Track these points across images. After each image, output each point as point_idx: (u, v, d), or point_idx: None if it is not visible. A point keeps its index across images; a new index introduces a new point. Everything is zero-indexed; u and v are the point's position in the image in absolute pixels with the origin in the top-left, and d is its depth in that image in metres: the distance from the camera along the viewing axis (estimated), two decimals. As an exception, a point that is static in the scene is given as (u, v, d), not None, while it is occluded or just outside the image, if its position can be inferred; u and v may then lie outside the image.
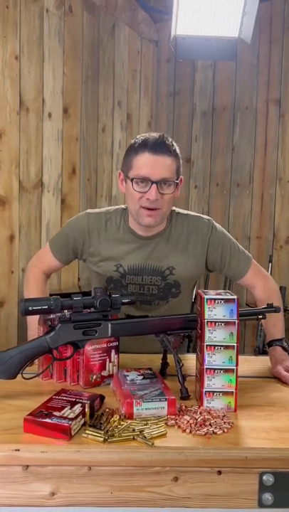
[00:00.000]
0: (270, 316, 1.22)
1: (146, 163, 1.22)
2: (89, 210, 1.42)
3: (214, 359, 0.98)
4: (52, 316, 1.11)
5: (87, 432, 0.86)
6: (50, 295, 1.10)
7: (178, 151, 1.28)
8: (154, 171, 1.21)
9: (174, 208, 1.38)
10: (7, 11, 2.13)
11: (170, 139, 1.26)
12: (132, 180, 1.24)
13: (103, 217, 1.37)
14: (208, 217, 1.40)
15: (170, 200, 1.27)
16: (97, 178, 2.79)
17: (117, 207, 1.42)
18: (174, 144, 1.27)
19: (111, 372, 1.13)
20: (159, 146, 1.22)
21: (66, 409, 0.91)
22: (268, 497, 0.83)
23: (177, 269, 1.33)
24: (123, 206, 1.40)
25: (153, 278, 1.33)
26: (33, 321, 1.29)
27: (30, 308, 1.04)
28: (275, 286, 1.42)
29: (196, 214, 1.41)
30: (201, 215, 1.40)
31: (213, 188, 3.24)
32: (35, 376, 1.06)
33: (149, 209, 1.24)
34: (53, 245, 1.45)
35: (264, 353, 2.94)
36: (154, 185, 1.21)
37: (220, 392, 0.98)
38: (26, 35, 2.23)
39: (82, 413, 0.90)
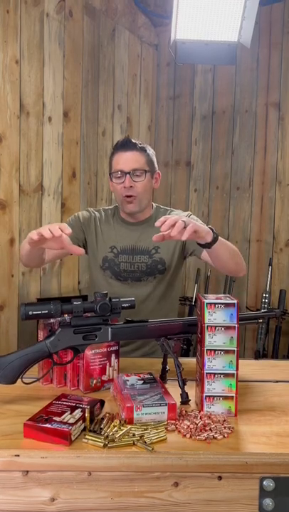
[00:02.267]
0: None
1: (118, 160, 1.51)
2: (86, 208, 1.70)
3: (214, 363, 0.98)
4: (52, 320, 1.11)
5: (87, 437, 0.86)
6: (50, 299, 1.10)
7: (146, 148, 1.54)
8: (125, 164, 1.49)
9: (158, 204, 1.66)
10: (7, 15, 2.14)
11: (136, 139, 1.55)
12: (111, 174, 1.53)
13: (102, 210, 1.66)
14: (190, 212, 1.62)
15: (145, 187, 1.52)
16: (97, 182, 2.79)
17: (111, 206, 1.70)
18: (141, 143, 1.55)
19: (111, 377, 1.13)
20: (125, 144, 1.51)
21: (66, 414, 0.90)
22: (268, 502, 0.82)
23: (162, 247, 1.55)
24: (116, 205, 1.67)
25: (141, 257, 1.55)
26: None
27: (30, 312, 1.04)
28: (236, 248, 1.47)
29: (178, 210, 1.65)
30: (182, 211, 1.63)
31: (213, 191, 3.24)
32: (35, 381, 1.06)
33: (128, 197, 1.50)
34: None
35: (264, 356, 2.95)
36: (128, 175, 1.49)
37: (220, 396, 0.98)
38: (27, 39, 2.24)
39: (82, 418, 0.89)
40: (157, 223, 1.14)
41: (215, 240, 1.25)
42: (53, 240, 1.14)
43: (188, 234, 1.12)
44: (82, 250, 1.19)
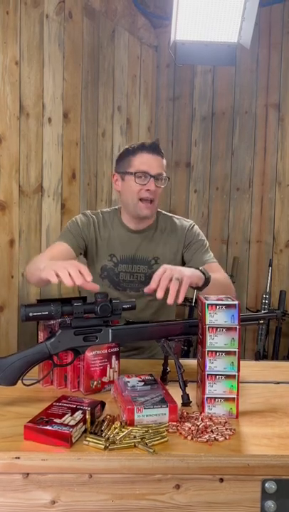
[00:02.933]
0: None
1: (145, 161, 1.45)
2: (84, 211, 1.60)
3: (215, 365, 0.98)
4: (52, 321, 1.10)
5: (88, 439, 0.85)
6: (51, 300, 1.10)
7: (164, 155, 1.52)
8: (152, 167, 1.45)
9: (159, 209, 1.60)
10: (7, 16, 2.14)
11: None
12: (134, 174, 1.44)
13: (99, 213, 1.59)
14: (192, 221, 1.60)
15: (160, 194, 1.51)
16: (97, 183, 2.79)
17: (110, 208, 1.63)
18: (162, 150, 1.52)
19: (112, 379, 1.13)
20: (155, 148, 1.48)
21: (67, 416, 0.90)
22: (270, 505, 0.82)
23: (161, 258, 1.52)
24: (116, 207, 1.62)
25: (141, 267, 1.51)
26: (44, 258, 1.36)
27: (30, 314, 1.03)
28: (226, 279, 1.45)
29: (180, 217, 1.62)
30: (184, 218, 1.61)
31: (212, 192, 3.24)
32: (36, 382, 1.06)
33: (146, 201, 1.45)
34: (61, 237, 1.53)
35: (264, 357, 2.94)
36: (152, 179, 1.44)
37: (221, 398, 0.98)
38: (26, 40, 2.24)
39: (83, 420, 0.89)
40: (149, 289, 1.11)
41: (206, 283, 1.24)
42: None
43: (183, 296, 1.10)
44: (97, 287, 1.11)
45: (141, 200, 1.46)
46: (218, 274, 1.43)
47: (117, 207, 1.61)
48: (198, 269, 1.25)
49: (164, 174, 1.48)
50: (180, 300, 1.10)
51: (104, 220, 1.56)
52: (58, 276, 1.06)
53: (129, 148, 1.50)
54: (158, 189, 1.46)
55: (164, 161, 1.50)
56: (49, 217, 2.44)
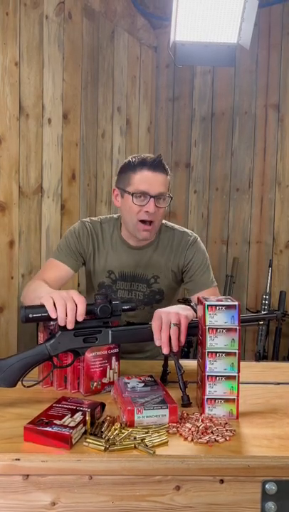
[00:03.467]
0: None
1: (145, 180, 1.34)
2: (83, 220, 1.51)
3: (215, 366, 0.97)
4: (52, 323, 1.10)
5: (88, 440, 0.85)
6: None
7: (168, 170, 1.40)
8: (153, 187, 1.33)
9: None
10: (7, 17, 2.14)
11: (164, 162, 1.39)
12: (132, 194, 1.34)
13: (98, 225, 1.49)
14: (195, 235, 1.50)
15: (163, 213, 1.39)
16: (96, 184, 2.79)
17: (110, 216, 1.53)
18: (166, 165, 1.40)
19: (112, 380, 1.13)
20: (157, 165, 1.35)
21: (67, 417, 0.90)
22: (271, 506, 0.82)
23: (161, 277, 1.46)
24: (115, 216, 1.52)
25: (140, 285, 1.45)
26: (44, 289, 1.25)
27: (30, 315, 1.03)
28: None
29: (183, 229, 1.51)
30: (188, 231, 1.51)
31: (212, 192, 3.24)
32: (36, 384, 1.06)
33: (145, 223, 1.35)
34: (57, 254, 1.46)
35: (264, 358, 2.94)
36: (152, 199, 1.33)
37: (222, 399, 0.97)
38: (26, 41, 2.24)
39: (83, 421, 0.89)
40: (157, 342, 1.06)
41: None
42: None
43: (185, 339, 1.07)
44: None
45: (140, 221, 1.36)
46: None
47: (116, 216, 1.52)
48: (189, 304, 1.19)
49: (166, 193, 1.37)
50: (182, 344, 1.07)
51: (103, 233, 1.48)
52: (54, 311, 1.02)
53: (131, 162, 1.39)
54: (159, 209, 1.36)
55: (168, 178, 1.39)
56: (49, 218, 2.44)
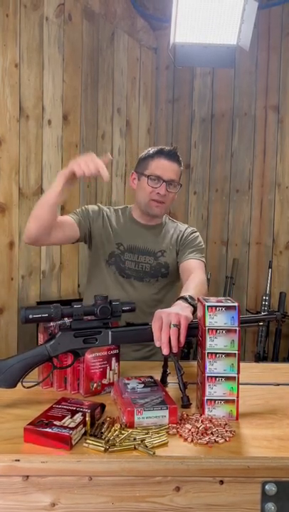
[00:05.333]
0: (192, 280, 1.36)
1: (160, 166, 1.53)
2: (97, 204, 1.69)
3: (215, 367, 0.97)
4: (52, 324, 1.10)
5: (87, 441, 0.85)
6: (50, 302, 1.10)
7: (181, 161, 1.59)
8: (166, 173, 1.52)
9: (166, 215, 1.69)
10: (7, 19, 2.14)
11: (178, 153, 1.58)
12: (148, 176, 1.53)
13: (112, 208, 1.68)
14: (195, 229, 1.66)
15: (172, 199, 1.59)
16: (96, 185, 2.79)
17: (122, 206, 1.71)
18: (180, 157, 1.59)
19: (111, 381, 1.13)
20: (172, 155, 1.55)
21: (67, 418, 0.90)
22: (270, 507, 0.82)
23: (168, 252, 1.59)
24: (127, 206, 1.70)
25: (147, 257, 1.57)
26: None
27: (30, 316, 1.03)
28: (203, 283, 1.44)
29: (185, 224, 1.70)
30: (189, 226, 1.69)
31: (212, 194, 3.24)
32: (36, 385, 1.06)
33: (157, 201, 1.54)
34: (68, 215, 1.58)
35: (264, 359, 2.94)
36: (164, 184, 1.52)
37: (221, 400, 0.97)
38: (26, 43, 2.24)
39: (83, 422, 0.89)
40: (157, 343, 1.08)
41: (194, 311, 1.18)
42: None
43: (184, 340, 1.07)
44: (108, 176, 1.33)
45: (152, 200, 1.54)
46: (195, 274, 1.45)
47: (128, 206, 1.68)
48: (185, 299, 1.20)
49: (177, 180, 1.55)
50: (182, 345, 1.07)
51: (116, 212, 1.64)
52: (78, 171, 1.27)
53: (150, 151, 1.58)
54: (169, 194, 1.54)
55: (181, 168, 1.57)
56: (49, 219, 2.43)
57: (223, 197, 3.21)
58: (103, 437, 0.86)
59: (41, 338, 1.14)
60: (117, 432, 0.88)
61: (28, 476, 0.81)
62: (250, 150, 3.11)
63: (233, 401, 0.97)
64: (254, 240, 3.13)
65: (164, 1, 2.99)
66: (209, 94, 3.23)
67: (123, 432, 0.88)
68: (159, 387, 1.03)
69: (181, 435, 0.89)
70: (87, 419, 0.89)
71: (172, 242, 1.61)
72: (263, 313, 1.22)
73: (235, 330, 0.98)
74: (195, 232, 1.65)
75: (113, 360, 1.13)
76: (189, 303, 1.18)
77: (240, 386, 0.98)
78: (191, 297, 1.20)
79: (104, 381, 1.12)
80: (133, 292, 1.54)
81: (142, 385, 1.04)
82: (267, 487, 0.82)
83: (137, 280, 1.55)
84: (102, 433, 0.88)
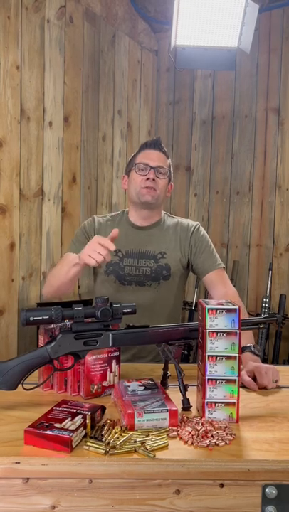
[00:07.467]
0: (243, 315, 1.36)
1: (146, 155, 1.57)
2: (93, 216, 1.68)
3: (216, 369, 0.97)
4: (53, 326, 1.10)
5: (88, 443, 0.85)
6: (51, 304, 1.10)
7: (168, 154, 1.62)
8: (153, 160, 1.56)
9: (165, 212, 1.68)
10: (8, 21, 2.15)
11: (162, 144, 1.63)
12: (135, 165, 1.56)
13: (107, 216, 1.67)
14: (197, 222, 1.65)
15: (163, 187, 1.58)
16: (97, 187, 2.79)
17: (118, 211, 1.71)
18: (166, 149, 1.64)
19: (112, 383, 1.12)
20: (155, 144, 1.60)
21: (67, 420, 0.90)
22: (271, 510, 0.82)
23: (168, 253, 1.56)
24: (124, 210, 1.69)
25: (147, 261, 1.55)
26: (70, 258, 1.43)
27: (31, 318, 1.03)
28: (236, 295, 1.50)
29: (186, 219, 1.68)
30: (190, 220, 1.67)
31: (212, 195, 3.25)
32: (36, 387, 1.06)
33: (148, 188, 1.54)
34: (70, 247, 1.60)
35: (264, 361, 2.94)
36: (152, 170, 1.54)
37: (222, 402, 0.97)
38: (27, 45, 2.25)
39: (83, 424, 0.89)
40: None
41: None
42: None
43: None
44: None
45: (143, 188, 1.54)
46: (231, 291, 1.51)
47: (124, 210, 1.68)
48: (251, 351, 1.30)
49: (165, 167, 1.57)
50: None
51: (112, 219, 1.64)
52: (96, 260, 1.25)
53: (138, 149, 1.63)
54: (159, 180, 1.55)
55: (165, 157, 1.59)
56: (49, 221, 2.44)
57: (223, 199, 3.21)
58: (103, 440, 0.86)
59: (42, 340, 1.14)
60: (117, 435, 0.88)
61: (28, 479, 0.81)
62: (251, 152, 3.12)
63: (233, 404, 0.97)
64: (254, 242, 3.13)
65: (165, 3, 3.00)
66: (210, 96, 3.24)
67: (123, 434, 0.88)
68: (160, 390, 1.03)
69: (181, 438, 0.89)
70: (87, 421, 0.89)
71: (176, 240, 1.58)
72: (263, 316, 1.22)
73: (236, 333, 0.98)
74: (199, 228, 1.62)
75: (113, 362, 1.13)
76: (257, 355, 1.29)
77: (240, 389, 0.98)
78: (255, 347, 1.31)
79: (105, 383, 1.12)
80: (135, 300, 1.44)
81: (143, 387, 1.04)
82: (267, 490, 0.81)
83: (139, 285, 1.53)
84: (102, 435, 0.88)
